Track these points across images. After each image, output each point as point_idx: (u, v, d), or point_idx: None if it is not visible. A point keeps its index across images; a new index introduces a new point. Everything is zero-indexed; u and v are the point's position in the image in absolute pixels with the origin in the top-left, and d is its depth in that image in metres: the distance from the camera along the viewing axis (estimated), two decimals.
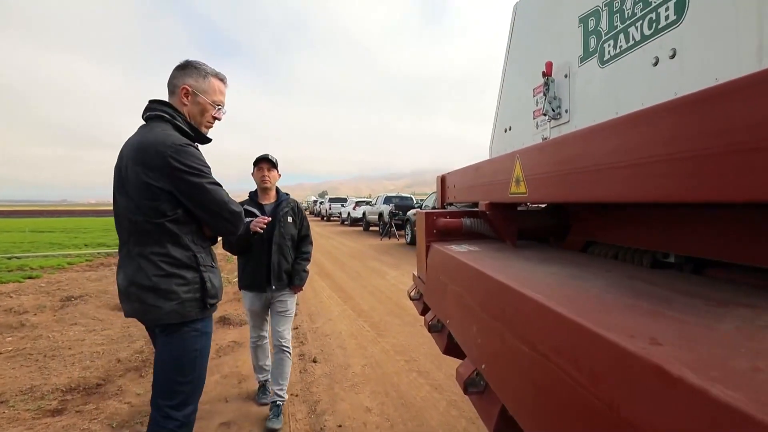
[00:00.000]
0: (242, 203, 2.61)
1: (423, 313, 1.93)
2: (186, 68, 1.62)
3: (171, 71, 1.65)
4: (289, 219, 2.70)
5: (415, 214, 10.01)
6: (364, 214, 19.18)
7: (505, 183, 1.23)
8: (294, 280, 2.70)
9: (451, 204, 2.07)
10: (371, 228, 18.88)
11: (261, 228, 2.45)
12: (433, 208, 2.10)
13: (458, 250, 1.41)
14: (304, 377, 3.23)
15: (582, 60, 1.26)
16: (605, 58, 1.13)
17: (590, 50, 1.21)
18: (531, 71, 1.67)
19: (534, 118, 1.64)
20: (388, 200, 16.90)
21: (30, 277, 7.37)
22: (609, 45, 1.10)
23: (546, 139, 1.45)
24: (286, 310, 2.71)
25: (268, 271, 2.60)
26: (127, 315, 1.57)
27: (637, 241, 1.09)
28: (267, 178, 2.66)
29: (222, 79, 1.69)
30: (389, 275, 7.62)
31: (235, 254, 2.68)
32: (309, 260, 2.83)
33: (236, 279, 2.88)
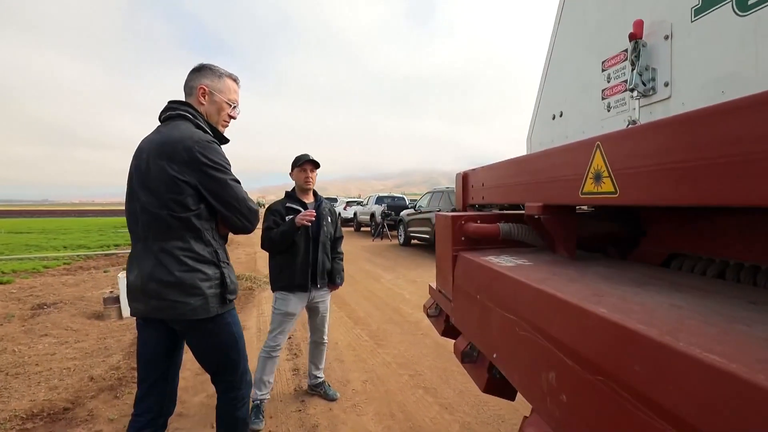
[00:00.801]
0: (281, 201, 2.67)
1: (445, 333, 1.65)
2: (201, 70, 1.68)
3: (187, 74, 1.69)
4: (329, 219, 2.76)
5: (409, 215, 9.73)
6: (355, 214, 18.81)
7: (572, 180, 0.95)
8: (336, 279, 2.80)
9: (473, 206, 1.79)
10: (362, 228, 18.54)
11: (309, 222, 2.46)
12: (453, 210, 1.83)
13: (502, 263, 1.12)
14: (299, 395, 2.91)
15: (699, 12, 0.97)
16: (752, 1, 0.85)
17: None
18: (600, 38, 1.38)
19: (604, 98, 1.35)
20: (380, 200, 16.50)
21: (0, 283, 6.87)
22: None
23: (635, 122, 1.17)
24: (327, 309, 2.84)
25: (313, 270, 2.62)
26: (137, 313, 1.57)
27: (757, 255, 0.83)
28: (310, 179, 2.66)
29: (235, 80, 1.76)
30: (384, 278, 7.33)
31: (275, 252, 2.58)
32: (343, 259, 2.92)
33: None
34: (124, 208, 1.64)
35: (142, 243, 1.53)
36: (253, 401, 2.56)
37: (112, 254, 11.24)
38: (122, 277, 4.96)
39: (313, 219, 2.48)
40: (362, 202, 20.22)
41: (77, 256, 10.68)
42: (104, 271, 8.27)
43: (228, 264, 1.63)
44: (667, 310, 0.65)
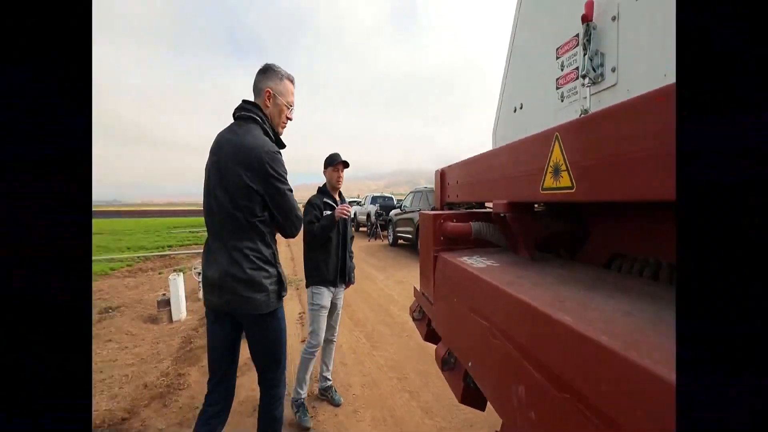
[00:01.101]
0: (317, 196, 2.34)
1: (428, 338, 1.37)
2: (267, 72, 1.48)
3: (255, 75, 1.51)
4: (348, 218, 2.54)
5: (396, 215, 8.44)
6: (354, 214, 17.29)
7: (533, 175, 0.74)
8: (351, 278, 2.47)
9: (448, 204, 1.47)
10: (360, 229, 15.49)
11: (346, 215, 2.22)
12: (433, 209, 1.42)
13: (474, 264, 0.89)
14: (308, 400, 2.73)
15: None
16: None
17: None
18: (555, 23, 1.10)
19: (558, 88, 1.09)
20: (374, 200, 14.16)
21: None
22: None
23: (587, 111, 0.93)
24: (341, 306, 2.49)
25: (342, 267, 2.33)
26: (211, 305, 1.44)
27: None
28: (341, 179, 2.39)
29: (292, 80, 1.55)
30: (378, 279, 6.44)
31: (316, 245, 2.26)
32: (353, 258, 2.62)
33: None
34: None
35: (218, 239, 1.39)
36: (296, 401, 2.23)
37: (166, 255, 10.83)
38: (173, 278, 4.52)
39: (350, 213, 2.24)
40: (360, 202, 17.22)
41: (137, 257, 10.30)
42: (159, 273, 7.85)
43: (280, 264, 1.51)
44: (621, 317, 0.50)
